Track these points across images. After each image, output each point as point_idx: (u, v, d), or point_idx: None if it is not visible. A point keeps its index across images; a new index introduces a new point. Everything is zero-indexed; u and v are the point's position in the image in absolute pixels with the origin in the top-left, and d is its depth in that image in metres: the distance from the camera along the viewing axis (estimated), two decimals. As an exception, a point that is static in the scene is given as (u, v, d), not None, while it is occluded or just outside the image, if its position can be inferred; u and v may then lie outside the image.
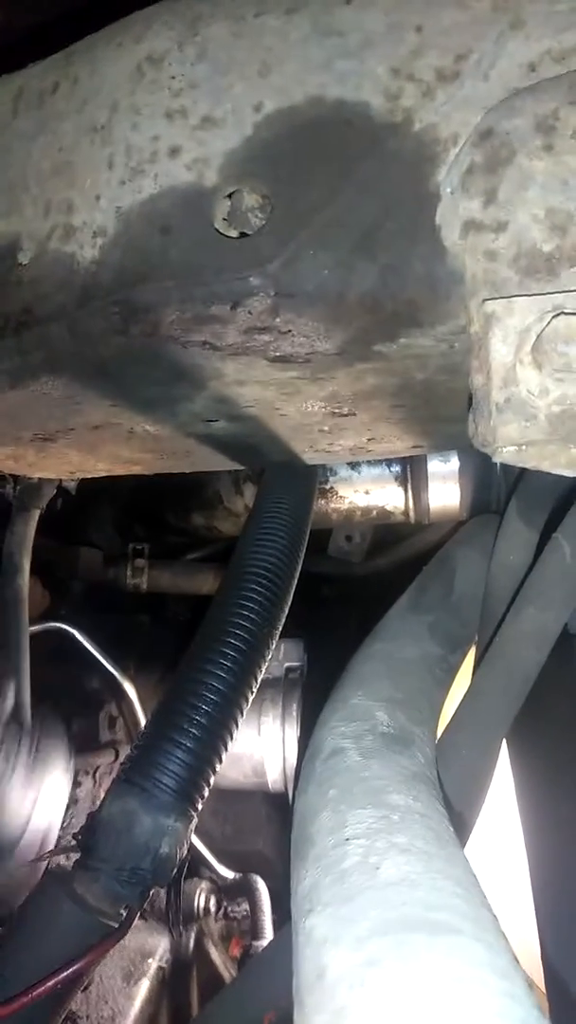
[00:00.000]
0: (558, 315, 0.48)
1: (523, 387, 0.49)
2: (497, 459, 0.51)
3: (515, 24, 0.53)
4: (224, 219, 0.55)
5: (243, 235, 0.55)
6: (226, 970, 1.45)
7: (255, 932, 1.44)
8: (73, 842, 0.81)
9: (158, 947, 1.33)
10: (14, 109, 0.67)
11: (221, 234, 0.55)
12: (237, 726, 0.81)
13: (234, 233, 0.55)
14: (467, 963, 0.33)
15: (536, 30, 0.53)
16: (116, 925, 0.77)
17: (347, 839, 0.42)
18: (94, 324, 0.61)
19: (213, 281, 0.56)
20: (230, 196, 0.56)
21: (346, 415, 0.78)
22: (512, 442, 0.50)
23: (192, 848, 1.53)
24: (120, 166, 0.59)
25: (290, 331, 0.59)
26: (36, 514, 1.32)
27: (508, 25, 0.53)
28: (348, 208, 0.54)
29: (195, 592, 1.79)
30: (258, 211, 0.55)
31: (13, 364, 0.66)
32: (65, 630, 1.45)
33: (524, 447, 0.50)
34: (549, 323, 0.48)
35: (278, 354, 0.62)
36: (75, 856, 0.81)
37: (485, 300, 0.50)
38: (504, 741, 0.74)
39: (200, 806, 0.81)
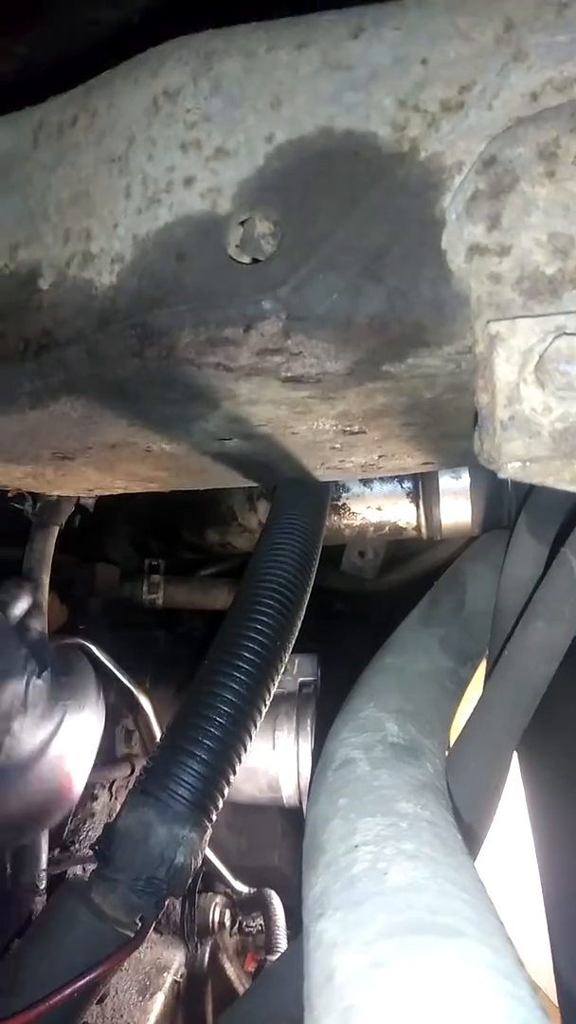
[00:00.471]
0: (560, 335, 0.49)
1: (527, 405, 0.50)
2: (503, 475, 0.52)
3: (518, 55, 0.55)
4: (237, 246, 0.57)
5: (255, 261, 0.57)
6: (241, 984, 1.45)
7: (269, 946, 1.45)
8: (91, 853, 0.82)
9: (173, 961, 1.34)
10: (35, 141, 0.70)
11: (234, 260, 0.57)
12: (251, 738, 0.82)
13: (246, 259, 0.57)
14: (471, 965, 0.34)
15: (538, 61, 0.55)
16: (132, 935, 0.78)
17: (356, 846, 0.43)
18: (111, 347, 0.63)
19: (226, 305, 0.58)
20: (243, 223, 0.58)
21: (357, 433, 0.79)
22: (517, 458, 0.51)
23: (207, 862, 1.54)
24: (137, 195, 0.61)
25: (301, 352, 0.60)
26: (55, 531, 1.34)
27: (511, 56, 0.55)
28: (356, 234, 0.55)
29: (210, 607, 1.81)
30: (270, 237, 0.57)
31: (33, 386, 0.68)
32: (83, 645, 1.47)
33: (528, 463, 0.51)
34: (551, 343, 0.50)
35: (290, 374, 0.64)
36: (92, 866, 0.83)
37: (489, 321, 0.52)
38: (516, 754, 0.75)
39: (215, 817, 0.82)
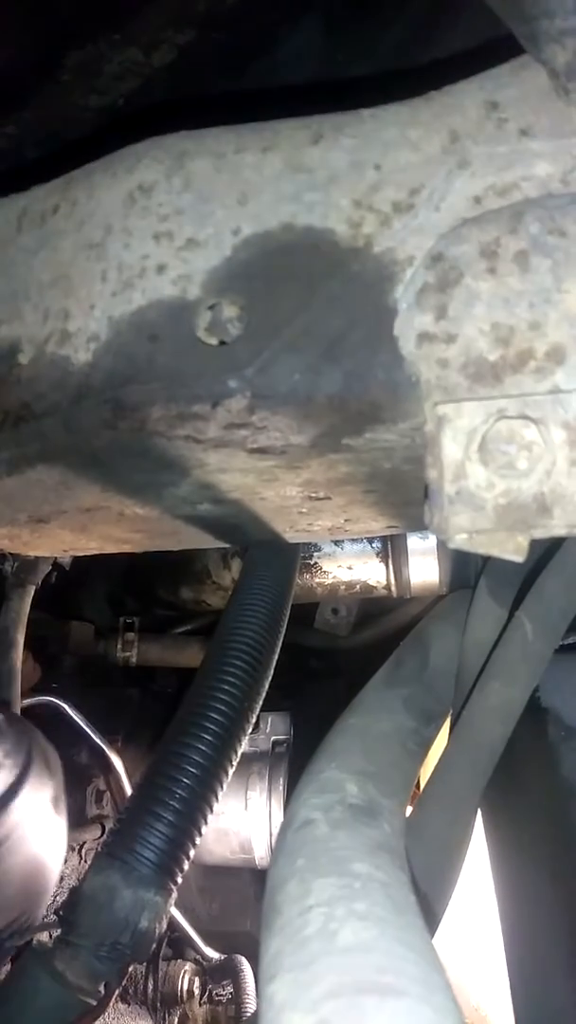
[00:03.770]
0: (500, 418, 0.53)
1: (472, 481, 0.54)
2: (451, 545, 0.56)
3: (462, 164, 0.60)
4: (205, 328, 0.61)
5: (222, 343, 0.61)
6: (210, 1057, 1.41)
7: (239, 1016, 1.41)
8: (55, 918, 0.82)
9: (140, 1033, 1.30)
10: (19, 226, 0.74)
11: (202, 342, 0.61)
12: (217, 799, 0.83)
13: (214, 341, 0.61)
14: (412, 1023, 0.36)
15: (481, 168, 0.60)
16: (95, 1003, 0.77)
17: (310, 907, 0.45)
18: (87, 419, 0.66)
19: (195, 384, 0.61)
20: (211, 308, 0.62)
21: (322, 499, 0.83)
22: (464, 530, 0.55)
23: (178, 928, 1.51)
24: (113, 280, 0.65)
25: (266, 427, 0.64)
26: (31, 590, 1.36)
27: (456, 164, 0.60)
28: (316, 320, 0.60)
29: (183, 665, 1.82)
30: (236, 321, 0.61)
31: (11, 454, 0.71)
32: (55, 703, 1.47)
33: (475, 535, 0.55)
34: (493, 425, 0.54)
35: (256, 446, 0.67)
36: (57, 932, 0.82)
37: (437, 403, 0.56)
38: (480, 814, 0.77)
39: (180, 880, 0.82)
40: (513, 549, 0.54)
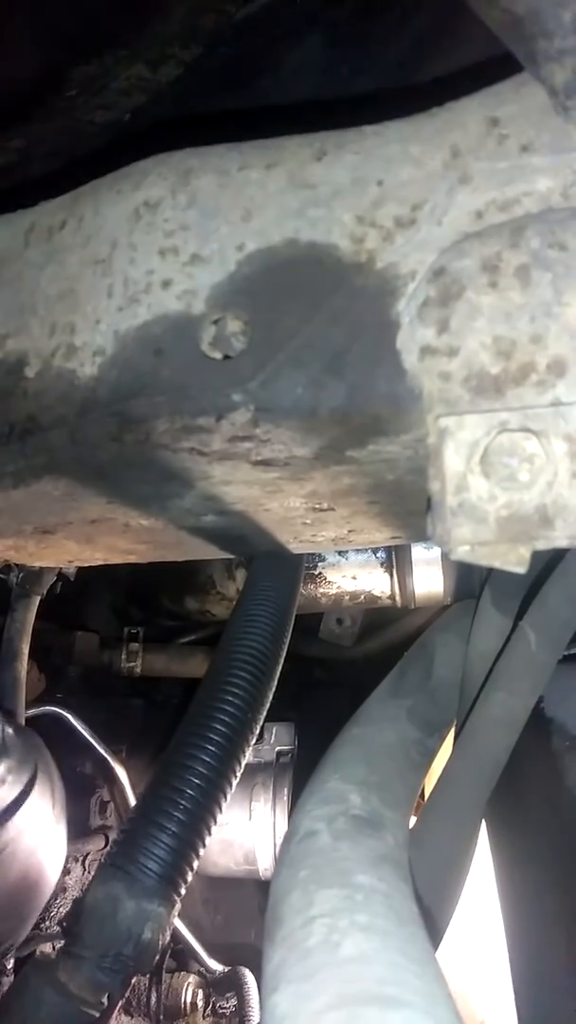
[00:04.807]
0: (502, 431, 0.54)
1: (474, 493, 0.54)
2: (454, 557, 0.56)
3: (463, 179, 0.61)
4: (210, 343, 0.62)
5: (227, 357, 0.62)
6: (213, 1070, 1.41)
7: (243, 1029, 1.41)
8: (59, 929, 0.82)
9: (144, 1045, 1.30)
10: (26, 241, 0.75)
11: (207, 356, 0.62)
12: (221, 809, 0.83)
13: (219, 355, 0.62)
14: (415, 1034, 0.36)
15: (482, 184, 0.61)
16: (98, 1014, 0.77)
17: (313, 918, 0.45)
18: (92, 432, 0.67)
19: (200, 397, 0.62)
20: (215, 323, 0.62)
21: (326, 510, 0.83)
22: (466, 542, 0.55)
23: (182, 940, 1.50)
24: (118, 295, 0.66)
25: (269, 439, 0.65)
26: (36, 600, 1.36)
27: (457, 180, 0.61)
28: (319, 334, 0.60)
29: (188, 675, 1.82)
30: (240, 336, 0.62)
31: (17, 466, 0.72)
32: (60, 714, 1.47)
33: (477, 547, 0.55)
34: (495, 438, 0.54)
35: (260, 458, 0.68)
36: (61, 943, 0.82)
37: (439, 416, 0.57)
38: (484, 824, 0.77)
39: (183, 891, 0.82)
40: (515, 561, 0.55)
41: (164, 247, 0.65)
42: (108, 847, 1.44)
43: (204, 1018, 1.48)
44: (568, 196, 0.59)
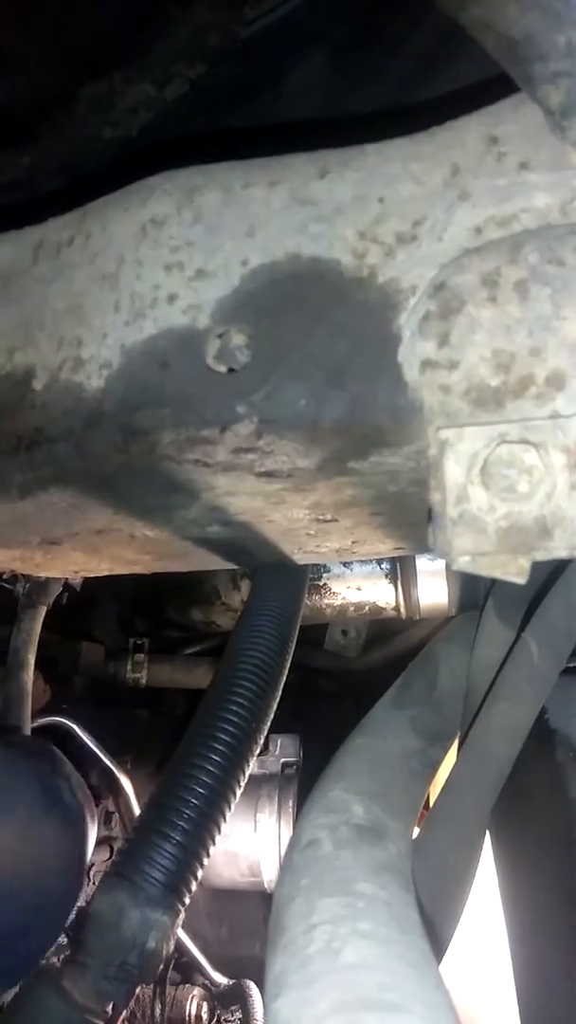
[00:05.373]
0: (502, 443, 0.55)
1: (474, 504, 0.55)
2: (454, 567, 0.57)
3: (463, 196, 0.62)
4: (214, 356, 0.63)
5: (231, 370, 0.63)
6: None
7: (248, 1042, 1.40)
8: (65, 939, 0.82)
9: (148, 1058, 1.29)
10: (35, 257, 0.76)
11: (211, 369, 0.63)
12: (225, 820, 0.84)
13: (223, 368, 0.63)
14: (415, 1039, 0.36)
15: (481, 200, 0.62)
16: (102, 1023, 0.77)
17: (314, 925, 0.45)
18: (99, 444, 0.68)
19: (204, 409, 0.63)
20: (220, 336, 0.64)
21: (329, 521, 0.84)
22: (466, 552, 0.56)
23: (186, 952, 1.50)
24: (125, 309, 0.67)
25: (273, 451, 0.66)
26: (43, 610, 1.37)
27: (457, 197, 0.62)
28: (321, 348, 0.61)
29: (193, 686, 1.82)
30: (244, 349, 0.63)
31: (24, 477, 0.73)
32: (65, 724, 1.48)
33: (477, 557, 0.56)
34: (495, 449, 0.55)
35: (263, 470, 0.69)
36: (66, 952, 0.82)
37: (440, 428, 0.57)
38: (488, 835, 0.77)
39: (187, 900, 0.83)
40: (515, 571, 0.55)
41: (170, 263, 0.66)
42: (113, 857, 1.44)
43: (208, 1031, 1.48)
44: (566, 212, 0.60)
